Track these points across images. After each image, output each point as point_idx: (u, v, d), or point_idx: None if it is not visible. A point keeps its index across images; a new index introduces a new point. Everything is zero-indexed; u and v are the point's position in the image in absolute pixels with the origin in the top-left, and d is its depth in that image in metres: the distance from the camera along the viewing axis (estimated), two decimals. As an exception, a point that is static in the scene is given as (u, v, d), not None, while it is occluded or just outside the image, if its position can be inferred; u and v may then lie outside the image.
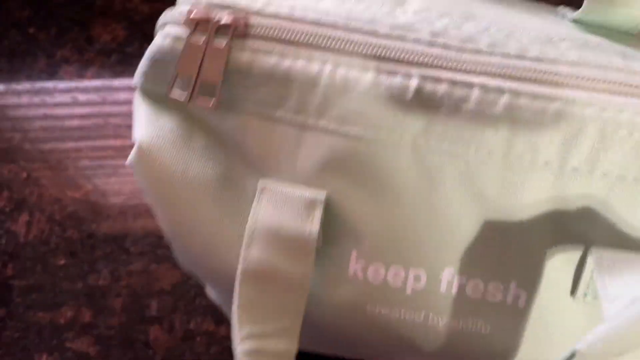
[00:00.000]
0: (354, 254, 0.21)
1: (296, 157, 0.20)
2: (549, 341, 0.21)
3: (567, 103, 0.19)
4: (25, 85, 0.43)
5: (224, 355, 0.34)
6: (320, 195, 0.20)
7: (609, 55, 0.19)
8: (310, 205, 0.20)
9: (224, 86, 0.20)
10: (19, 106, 0.43)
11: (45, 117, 0.42)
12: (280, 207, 0.20)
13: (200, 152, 0.21)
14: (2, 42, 0.45)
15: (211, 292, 0.28)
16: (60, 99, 0.43)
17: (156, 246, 0.37)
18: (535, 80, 0.19)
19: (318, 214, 0.20)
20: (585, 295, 0.20)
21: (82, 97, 0.43)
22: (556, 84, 0.19)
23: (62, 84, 0.44)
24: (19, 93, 0.43)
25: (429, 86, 0.19)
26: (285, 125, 0.20)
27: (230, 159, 0.21)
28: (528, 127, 0.19)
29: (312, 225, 0.20)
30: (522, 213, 0.20)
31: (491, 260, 0.21)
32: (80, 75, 0.43)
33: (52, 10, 0.47)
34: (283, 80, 0.20)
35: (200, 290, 0.35)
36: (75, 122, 0.42)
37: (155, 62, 0.21)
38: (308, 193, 0.20)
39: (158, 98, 0.22)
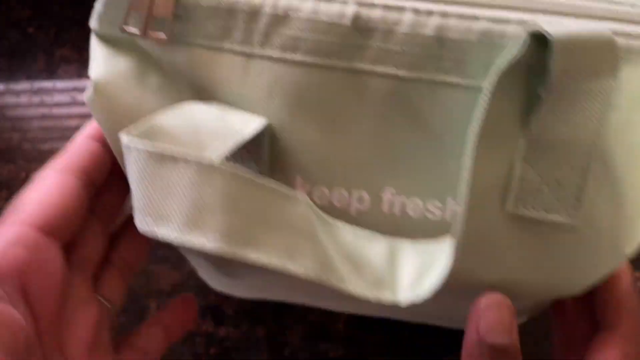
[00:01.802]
0: (298, 179, 0.22)
1: (243, 86, 0.21)
2: (484, 257, 0.21)
3: (492, 21, 0.20)
4: (24, 85, 0.43)
5: (223, 356, 0.34)
6: (261, 119, 0.21)
7: None
8: (250, 120, 0.21)
9: (174, 21, 0.21)
10: (17, 106, 0.43)
11: (44, 117, 0.42)
12: (222, 110, 0.21)
13: (154, 89, 0.23)
14: (1, 41, 0.45)
15: None
16: (60, 99, 0.43)
17: (156, 247, 0.36)
18: (462, 3, 0.20)
19: (253, 125, 0.21)
20: (515, 206, 0.20)
21: (81, 96, 0.42)
22: (482, 5, 0.20)
23: (61, 84, 0.43)
24: (18, 93, 0.43)
25: (364, 12, 0.20)
26: (232, 56, 0.21)
27: (182, 94, 0.23)
28: (456, 46, 0.20)
29: (244, 131, 0.20)
30: (454, 130, 0.21)
31: (427, 177, 0.22)
32: (80, 75, 0.43)
33: (51, 10, 0.46)
34: (228, 12, 0.21)
35: (199, 291, 0.35)
36: (74, 122, 0.42)
37: (109, 1, 0.22)
38: (250, 115, 0.21)
39: (113, 40, 0.23)
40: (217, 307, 0.35)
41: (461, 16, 0.20)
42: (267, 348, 0.34)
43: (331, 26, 0.20)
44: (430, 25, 0.20)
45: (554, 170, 0.20)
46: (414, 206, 0.22)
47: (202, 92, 0.22)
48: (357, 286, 0.20)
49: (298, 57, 0.21)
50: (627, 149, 0.20)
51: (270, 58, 0.21)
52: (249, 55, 0.21)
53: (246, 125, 0.21)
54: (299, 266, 0.18)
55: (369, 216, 0.22)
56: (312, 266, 0.19)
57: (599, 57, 0.18)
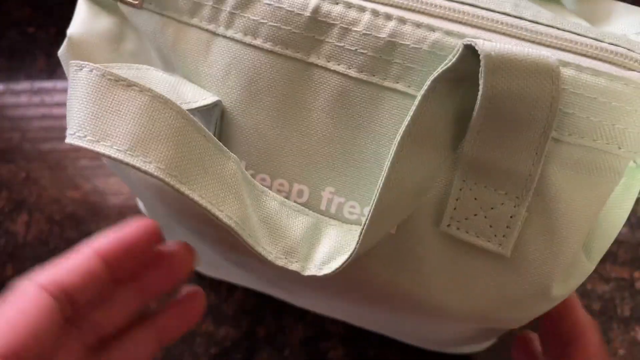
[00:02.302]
0: (243, 163, 0.22)
1: (204, 62, 0.22)
2: (404, 263, 0.21)
3: (447, 34, 0.20)
4: (24, 85, 0.43)
5: (223, 356, 0.34)
6: (214, 97, 0.22)
7: (503, 3, 0.20)
8: (202, 94, 0.22)
9: None
10: (18, 106, 0.43)
11: (44, 116, 0.42)
12: (178, 80, 0.22)
13: (126, 55, 0.23)
14: (1, 41, 0.45)
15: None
16: (60, 99, 0.43)
17: (155, 246, 0.36)
18: (422, 12, 0.20)
19: (204, 100, 0.21)
20: (448, 225, 0.20)
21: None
22: (440, 17, 0.20)
23: (61, 84, 0.43)
24: (18, 93, 0.43)
25: (326, 6, 0.20)
26: (198, 32, 0.22)
27: (152, 64, 0.23)
28: (407, 52, 0.20)
29: (192, 103, 0.21)
30: (394, 140, 0.20)
31: (369, 182, 0.21)
32: (80, 75, 0.43)
33: (51, 10, 0.47)
34: None
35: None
36: (74, 122, 0.42)
37: None
38: (204, 91, 0.22)
39: (99, 2, 0.23)
40: (217, 307, 0.35)
41: (418, 24, 0.20)
42: (267, 348, 0.34)
43: (292, 15, 0.20)
44: (386, 29, 0.20)
45: (489, 195, 0.19)
46: (351, 209, 0.22)
47: (169, 60, 0.23)
48: (268, 250, 0.20)
49: (257, 42, 0.21)
50: (572, 186, 0.19)
51: (232, 39, 0.21)
52: (214, 34, 0.22)
53: (197, 98, 0.21)
54: (223, 214, 0.19)
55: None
56: (234, 218, 0.20)
57: (536, 83, 0.17)
